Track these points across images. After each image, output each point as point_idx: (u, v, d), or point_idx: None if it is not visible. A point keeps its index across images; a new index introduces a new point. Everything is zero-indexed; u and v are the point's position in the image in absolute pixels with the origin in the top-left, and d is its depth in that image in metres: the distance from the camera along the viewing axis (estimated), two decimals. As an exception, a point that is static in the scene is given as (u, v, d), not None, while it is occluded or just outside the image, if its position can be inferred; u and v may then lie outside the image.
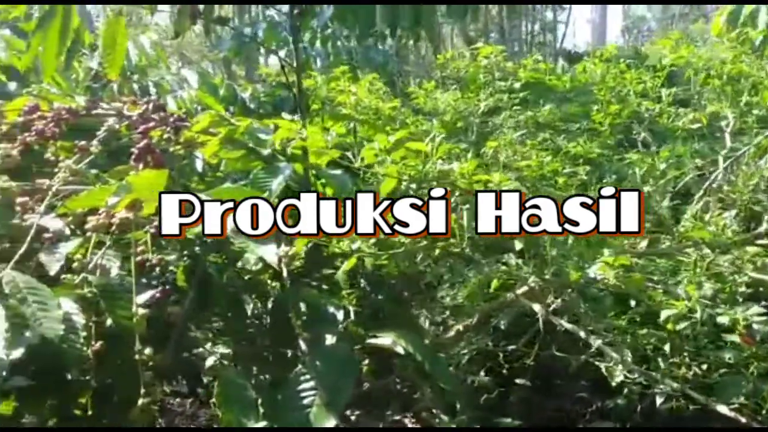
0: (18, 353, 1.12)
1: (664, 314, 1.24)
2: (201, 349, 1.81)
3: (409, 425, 1.62)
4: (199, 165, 1.88)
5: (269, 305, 1.83)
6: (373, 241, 1.24)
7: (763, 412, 1.22)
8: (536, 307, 1.46)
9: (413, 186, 1.32)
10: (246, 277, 1.83)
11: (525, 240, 1.29)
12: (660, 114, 1.95)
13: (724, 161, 1.80)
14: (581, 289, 1.35)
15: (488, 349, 2.10)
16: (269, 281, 1.87)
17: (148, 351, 1.23)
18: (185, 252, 1.79)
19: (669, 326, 1.24)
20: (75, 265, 1.36)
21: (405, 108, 2.59)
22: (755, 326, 1.21)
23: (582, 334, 1.38)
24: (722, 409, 1.23)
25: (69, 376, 1.53)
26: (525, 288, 1.52)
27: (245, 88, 4.32)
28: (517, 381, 1.89)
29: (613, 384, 1.63)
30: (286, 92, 4.57)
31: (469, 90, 2.44)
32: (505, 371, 2.01)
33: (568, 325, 1.42)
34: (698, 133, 1.94)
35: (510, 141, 2.05)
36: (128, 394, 1.29)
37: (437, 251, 1.33)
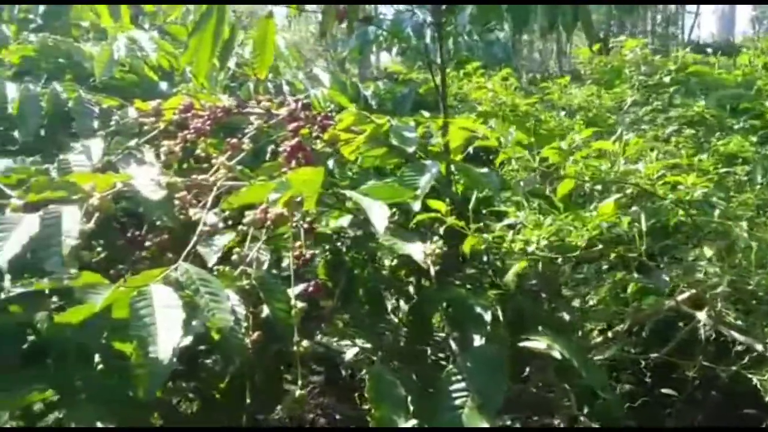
0: (187, 341, 1.18)
1: None
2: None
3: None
4: (329, 164, 1.92)
5: (407, 302, 1.84)
6: (545, 243, 1.20)
7: None
8: (700, 315, 1.37)
9: (598, 187, 1.26)
10: (384, 273, 1.85)
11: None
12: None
13: None
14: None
15: (630, 357, 2.00)
16: (407, 278, 1.87)
17: (305, 343, 1.25)
18: (327, 247, 1.82)
19: None
20: (234, 257, 1.42)
21: (539, 104, 2.52)
22: None
23: (759, 347, 1.28)
24: None
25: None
26: (686, 294, 1.43)
27: (367, 86, 4.39)
28: (664, 391, 1.79)
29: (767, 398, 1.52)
30: (405, 89, 4.61)
31: (614, 85, 2.33)
32: (648, 380, 1.91)
33: (740, 337, 1.32)
34: None
35: (655, 137, 1.95)
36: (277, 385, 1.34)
37: (612, 256, 1.27)
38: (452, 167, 1.79)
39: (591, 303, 2.05)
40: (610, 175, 1.20)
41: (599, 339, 1.73)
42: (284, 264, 1.76)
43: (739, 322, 1.55)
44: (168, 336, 1.02)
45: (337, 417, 2.03)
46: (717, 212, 1.28)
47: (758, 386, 1.62)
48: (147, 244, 1.46)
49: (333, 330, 1.87)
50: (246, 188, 1.40)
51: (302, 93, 2.93)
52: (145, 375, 1.04)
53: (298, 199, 1.38)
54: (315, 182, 1.31)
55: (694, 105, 2.01)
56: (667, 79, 2.25)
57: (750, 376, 1.64)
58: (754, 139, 2.14)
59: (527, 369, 1.68)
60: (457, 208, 1.75)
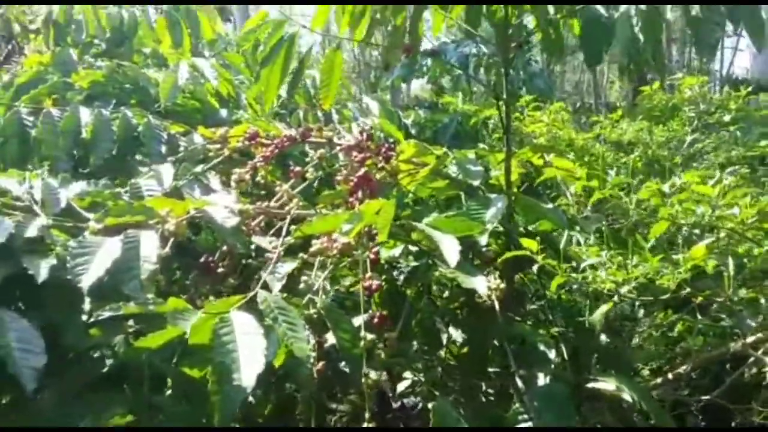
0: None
1: None
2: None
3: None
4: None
5: (461, 334, 1.83)
6: (634, 284, 1.20)
7: None
8: (771, 361, 1.35)
9: (696, 231, 1.26)
10: (441, 306, 1.85)
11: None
12: None
13: None
14: None
15: (680, 398, 1.97)
16: (461, 310, 1.87)
17: (373, 375, 1.26)
18: (383, 277, 1.83)
19: None
20: (302, 286, 1.44)
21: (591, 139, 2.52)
22: None
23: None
24: None
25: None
26: (754, 337, 1.41)
27: (407, 114, 4.43)
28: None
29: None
30: (447, 119, 4.64)
31: (669, 121, 2.33)
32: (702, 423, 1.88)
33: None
34: None
35: (711, 175, 1.93)
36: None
37: (699, 299, 1.26)
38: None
39: (636, 341, 2.03)
40: (705, 218, 1.20)
41: (657, 379, 1.70)
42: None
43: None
44: (251, 363, 1.03)
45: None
46: None
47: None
48: (219, 270, 1.49)
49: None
50: (318, 218, 1.43)
51: (350, 122, 2.98)
52: (221, 402, 1.06)
53: (364, 230, 1.40)
54: (388, 214, 1.33)
55: (756, 145, 2.00)
56: (727, 118, 2.24)
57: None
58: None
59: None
60: (517, 243, 1.76)
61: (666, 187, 1.27)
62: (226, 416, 1.06)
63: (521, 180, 2.03)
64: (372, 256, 1.48)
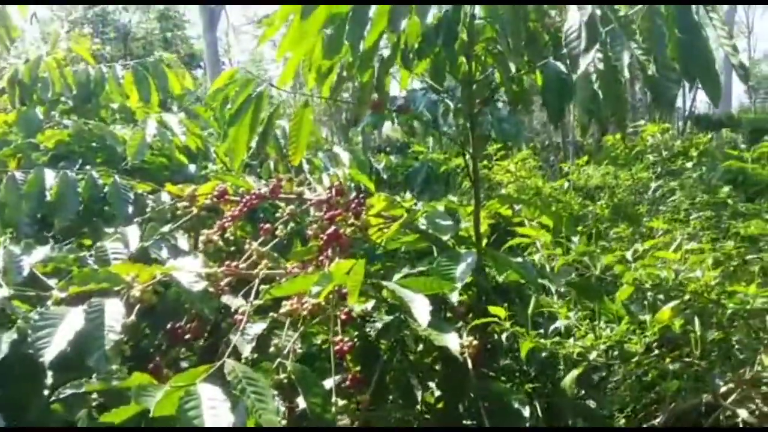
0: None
1: None
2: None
3: None
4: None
5: (439, 389, 1.81)
6: (604, 347, 1.20)
7: None
8: (743, 413, 1.35)
9: (660, 296, 1.27)
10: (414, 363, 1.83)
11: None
12: None
13: None
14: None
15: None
16: (433, 365, 1.85)
17: (347, 442, 1.24)
18: (356, 334, 1.81)
19: None
20: (271, 350, 1.41)
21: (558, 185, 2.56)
22: None
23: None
24: None
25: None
26: (725, 388, 1.42)
27: (379, 159, 4.46)
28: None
29: None
30: (417, 164, 4.69)
31: (637, 167, 2.37)
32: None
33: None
34: None
35: (676, 219, 1.97)
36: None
37: (668, 361, 1.27)
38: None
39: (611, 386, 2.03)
40: (669, 282, 1.21)
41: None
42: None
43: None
44: (218, 438, 1.01)
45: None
46: None
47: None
48: (187, 337, 1.46)
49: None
50: (288, 280, 1.41)
51: (321, 171, 2.98)
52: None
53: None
54: (358, 274, 1.32)
55: (720, 191, 2.05)
56: (689, 165, 2.30)
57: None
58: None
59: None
60: (489, 298, 1.76)
61: (629, 255, 1.29)
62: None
63: (491, 230, 2.05)
64: (343, 316, 1.47)
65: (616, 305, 1.27)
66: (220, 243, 1.64)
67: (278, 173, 2.99)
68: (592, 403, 1.92)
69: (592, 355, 1.20)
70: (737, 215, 1.96)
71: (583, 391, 1.80)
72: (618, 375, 1.99)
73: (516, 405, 1.42)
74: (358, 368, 1.69)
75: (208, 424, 1.04)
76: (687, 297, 1.21)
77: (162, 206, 1.85)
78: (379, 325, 1.74)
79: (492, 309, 1.32)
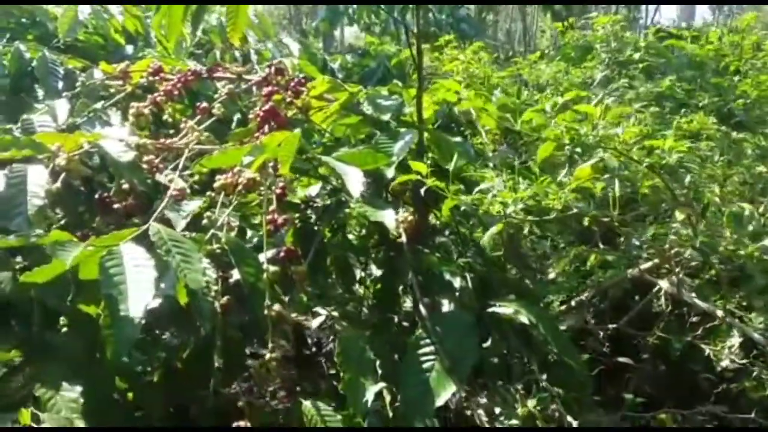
0: (155, 303, 1.17)
1: None
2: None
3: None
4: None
5: (377, 270, 1.84)
6: (521, 206, 1.22)
7: None
8: (663, 283, 1.41)
9: (578, 150, 1.28)
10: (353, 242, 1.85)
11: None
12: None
13: None
14: (742, 265, 1.29)
15: (588, 327, 2.06)
16: (376, 247, 1.88)
17: (277, 307, 1.25)
18: (297, 215, 1.82)
19: None
20: (204, 222, 1.40)
21: (509, 78, 2.54)
22: None
23: (720, 313, 1.32)
24: None
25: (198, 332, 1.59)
26: (649, 264, 1.47)
27: (334, 58, 4.35)
28: (620, 359, 1.84)
29: (719, 368, 1.57)
30: (374, 64, 4.59)
31: (584, 60, 2.36)
32: (606, 350, 1.97)
33: (703, 304, 1.37)
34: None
35: (627, 113, 1.98)
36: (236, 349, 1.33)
37: (587, 220, 1.29)
38: (425, 137, 1.80)
39: (552, 276, 2.10)
40: (589, 138, 1.22)
41: (562, 308, 1.76)
42: (248, 234, 1.76)
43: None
44: (139, 295, 1.01)
45: (298, 389, 2.04)
46: (688, 178, 1.32)
47: (711, 356, 1.68)
48: (116, 206, 1.43)
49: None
50: (219, 151, 1.38)
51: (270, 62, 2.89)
52: (113, 337, 1.03)
53: (269, 165, 1.37)
54: (291, 146, 1.30)
55: (661, 83, 2.05)
56: (636, 56, 2.28)
57: (703, 346, 1.71)
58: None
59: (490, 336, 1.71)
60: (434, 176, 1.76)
61: (548, 107, 1.29)
62: (118, 350, 1.04)
63: (436, 118, 2.03)
64: (278, 191, 1.46)
65: (537, 162, 1.28)
66: (151, 117, 1.58)
67: (225, 62, 2.90)
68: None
69: (509, 210, 1.22)
70: (681, 106, 1.98)
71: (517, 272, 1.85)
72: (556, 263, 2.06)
73: (447, 276, 1.46)
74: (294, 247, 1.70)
75: (131, 282, 1.04)
76: (606, 155, 1.23)
77: (93, 83, 1.77)
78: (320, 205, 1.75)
79: (413, 164, 1.31)
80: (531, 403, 1.53)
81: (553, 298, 2.05)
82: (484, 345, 1.47)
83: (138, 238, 1.15)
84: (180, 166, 1.38)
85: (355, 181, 1.31)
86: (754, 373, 1.42)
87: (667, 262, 1.40)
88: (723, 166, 1.80)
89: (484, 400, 1.35)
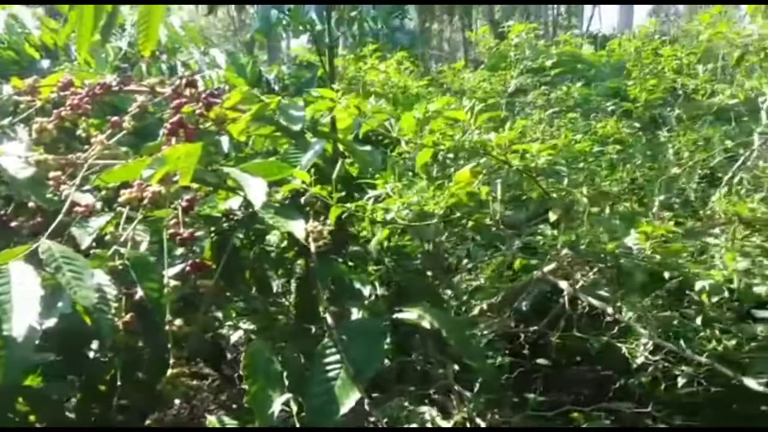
0: (51, 323, 1.15)
1: (698, 285, 1.22)
2: (226, 326, 1.82)
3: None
4: (225, 144, 1.89)
5: (294, 282, 1.85)
6: (406, 212, 1.24)
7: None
8: (563, 284, 1.45)
9: (450, 156, 1.31)
10: (272, 255, 1.85)
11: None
12: (696, 90, 1.91)
13: (760, 140, 1.77)
14: (615, 263, 1.34)
15: (511, 331, 2.09)
16: (295, 259, 1.88)
17: (178, 322, 1.24)
18: (213, 228, 1.80)
19: (704, 297, 1.22)
20: (107, 238, 1.38)
21: (433, 87, 2.58)
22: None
23: (609, 310, 1.37)
24: (751, 383, 1.22)
25: (97, 353, 1.56)
26: (552, 266, 1.51)
27: (271, 69, 4.34)
28: (538, 361, 1.88)
29: (634, 365, 1.62)
30: (310, 74, 4.60)
31: (499, 68, 2.41)
32: (526, 352, 2.01)
33: (596, 302, 1.41)
34: (735, 110, 1.90)
35: (539, 119, 2.03)
36: (157, 366, 1.32)
37: (470, 223, 1.32)
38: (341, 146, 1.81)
39: (482, 281, 2.14)
40: (465, 144, 1.25)
41: (489, 314, 1.79)
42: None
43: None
44: (22, 314, 0.99)
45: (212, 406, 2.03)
46: (566, 181, 1.36)
47: (626, 354, 1.73)
48: (13, 224, 1.40)
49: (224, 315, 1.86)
50: (120, 165, 1.37)
51: (198, 74, 2.88)
52: (3, 359, 1.00)
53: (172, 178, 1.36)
54: (191, 158, 1.29)
55: (572, 89, 2.12)
56: (549, 63, 2.35)
57: (619, 345, 1.76)
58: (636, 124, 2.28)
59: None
60: (344, 186, 1.78)
61: (418, 114, 1.32)
62: (9, 374, 1.01)
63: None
64: (184, 204, 1.45)
65: (417, 168, 1.31)
66: (55, 133, 1.56)
67: (150, 76, 2.87)
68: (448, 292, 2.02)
69: (390, 215, 1.24)
70: (591, 111, 2.04)
71: (434, 279, 1.88)
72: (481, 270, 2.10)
73: (357, 285, 1.47)
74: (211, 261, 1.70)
75: (15, 302, 1.02)
76: (483, 159, 1.26)
77: (1, 98, 1.73)
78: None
79: (296, 173, 1.33)
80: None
81: (475, 303, 2.08)
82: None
83: (30, 256, 1.13)
84: (77, 182, 1.36)
85: (258, 191, 1.31)
86: (650, 368, 1.47)
87: (560, 263, 1.45)
88: (630, 168, 1.87)
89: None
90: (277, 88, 4.24)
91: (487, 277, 2.07)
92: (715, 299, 1.21)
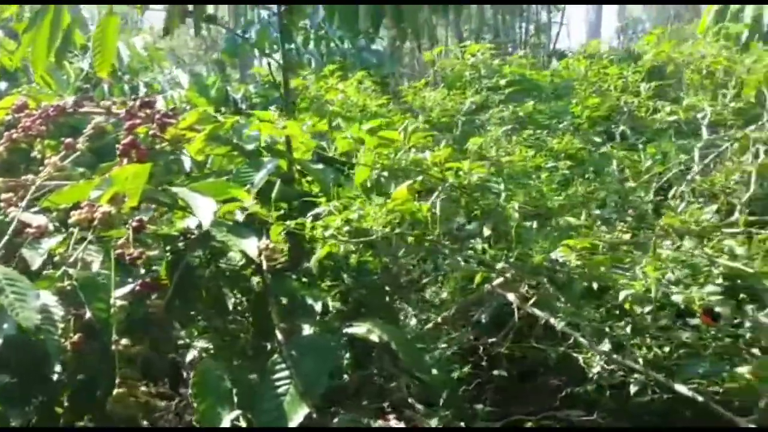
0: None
1: (622, 294, 1.26)
2: (184, 346, 1.82)
3: (391, 420, 1.64)
4: (186, 163, 1.90)
5: (251, 300, 1.85)
6: (347, 228, 1.26)
7: (720, 390, 1.24)
8: (510, 296, 1.48)
9: (385, 174, 1.34)
10: (228, 273, 1.86)
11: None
12: (639, 107, 1.97)
13: (701, 154, 1.83)
14: (550, 275, 1.38)
15: (470, 344, 2.12)
16: (252, 276, 1.89)
17: (124, 341, 1.25)
18: (168, 248, 1.81)
19: (627, 306, 1.26)
20: (56, 259, 1.38)
21: (394, 106, 2.62)
22: (718, 309, 1.24)
23: (552, 320, 1.40)
24: (681, 389, 1.26)
25: (51, 375, 1.55)
26: (500, 279, 1.55)
27: (237, 89, 4.36)
28: (495, 372, 1.90)
29: (590, 374, 1.65)
30: (277, 94, 4.63)
31: (455, 87, 2.46)
32: (484, 364, 2.03)
33: (540, 313, 1.44)
34: (675, 126, 1.97)
35: (495, 137, 2.07)
36: (106, 386, 1.32)
37: (410, 239, 1.35)
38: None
39: (444, 295, 2.16)
40: (401, 163, 1.29)
41: (438, 327, 1.82)
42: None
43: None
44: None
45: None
46: (503, 196, 1.40)
47: (582, 363, 1.76)
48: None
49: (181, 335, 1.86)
50: (69, 186, 1.37)
51: (160, 94, 2.89)
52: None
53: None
54: (139, 179, 1.31)
55: (522, 107, 2.17)
56: (503, 82, 2.41)
57: (575, 355, 1.79)
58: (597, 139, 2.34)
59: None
60: (298, 209, 1.80)
61: (349, 134, 1.35)
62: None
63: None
64: (135, 224, 1.46)
65: (356, 186, 1.34)
66: (5, 155, 1.56)
67: (113, 96, 2.88)
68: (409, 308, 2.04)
69: (328, 232, 1.27)
70: (542, 128, 2.10)
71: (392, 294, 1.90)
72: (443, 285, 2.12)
73: (309, 301, 1.48)
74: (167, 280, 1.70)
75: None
76: (420, 177, 1.30)
77: (-48, 122, 1.73)
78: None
79: (233, 191, 1.35)
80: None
81: (432, 317, 2.10)
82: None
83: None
84: (24, 204, 1.36)
85: (206, 210, 1.33)
86: (594, 377, 1.50)
87: (506, 277, 1.48)
88: (584, 183, 1.91)
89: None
90: (244, 107, 4.27)
91: (449, 292, 2.10)
92: (646, 309, 1.26)
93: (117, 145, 1.95)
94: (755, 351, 1.28)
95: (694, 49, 1.99)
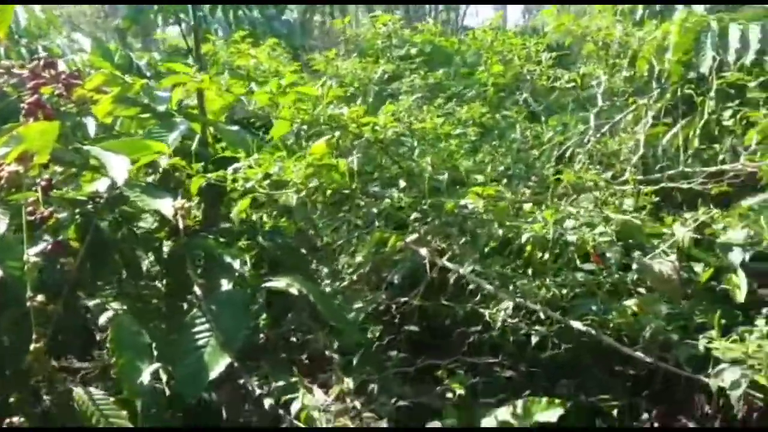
0: None
1: (524, 237, 1.37)
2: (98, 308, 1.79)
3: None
4: (91, 126, 1.85)
5: (164, 261, 1.84)
6: (267, 182, 1.29)
7: (611, 326, 1.38)
8: (423, 251, 1.56)
9: (304, 128, 1.38)
10: (140, 236, 1.84)
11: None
12: (540, 75, 2.09)
13: (597, 124, 1.96)
14: (461, 225, 1.46)
15: (384, 303, 2.18)
16: (165, 238, 1.88)
17: (40, 298, 1.23)
18: (78, 209, 1.77)
19: (528, 249, 1.37)
20: (-37, 219, 1.34)
21: (307, 74, 2.63)
22: (608, 254, 1.36)
23: (462, 270, 1.49)
24: (576, 324, 1.38)
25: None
26: (414, 236, 1.62)
27: (141, 56, 4.21)
28: (406, 327, 1.98)
29: (496, 328, 1.75)
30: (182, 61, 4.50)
31: (368, 55, 2.50)
32: (397, 321, 2.10)
33: (451, 265, 1.53)
34: (574, 98, 2.10)
35: (408, 105, 2.14)
36: (20, 341, 1.30)
37: (329, 192, 1.39)
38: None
39: (359, 258, 2.22)
40: (320, 118, 1.33)
41: (352, 285, 1.87)
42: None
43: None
44: None
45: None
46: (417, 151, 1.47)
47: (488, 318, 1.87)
48: None
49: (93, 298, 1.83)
50: (-27, 145, 1.33)
51: (61, 58, 2.77)
52: None
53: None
54: (48, 136, 1.28)
55: (432, 75, 2.25)
56: (414, 50, 2.47)
57: (481, 311, 1.89)
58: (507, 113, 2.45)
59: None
60: (215, 166, 1.80)
61: (272, 89, 1.39)
62: None
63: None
64: (43, 183, 1.43)
65: (274, 139, 1.38)
66: None
67: (10, 59, 2.73)
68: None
69: (249, 184, 1.30)
70: (452, 96, 2.19)
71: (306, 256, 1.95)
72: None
73: (228, 259, 1.51)
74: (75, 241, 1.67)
75: None
76: (338, 133, 1.35)
77: None
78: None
79: (153, 145, 1.35)
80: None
81: (347, 276, 2.16)
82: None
83: None
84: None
85: (119, 168, 1.32)
86: (498, 325, 1.60)
87: (419, 233, 1.56)
88: (491, 149, 2.02)
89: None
90: (149, 74, 4.12)
91: (363, 255, 2.16)
92: (546, 256, 1.37)
93: (21, 105, 1.89)
94: (641, 290, 1.42)
95: (591, 23, 2.11)
